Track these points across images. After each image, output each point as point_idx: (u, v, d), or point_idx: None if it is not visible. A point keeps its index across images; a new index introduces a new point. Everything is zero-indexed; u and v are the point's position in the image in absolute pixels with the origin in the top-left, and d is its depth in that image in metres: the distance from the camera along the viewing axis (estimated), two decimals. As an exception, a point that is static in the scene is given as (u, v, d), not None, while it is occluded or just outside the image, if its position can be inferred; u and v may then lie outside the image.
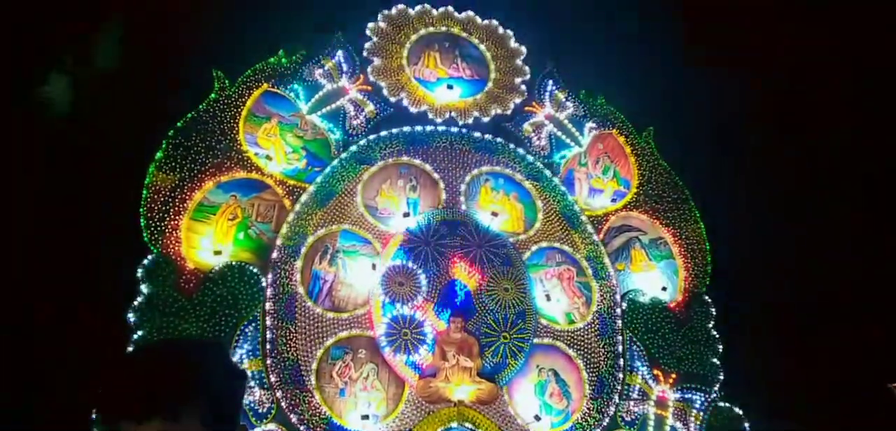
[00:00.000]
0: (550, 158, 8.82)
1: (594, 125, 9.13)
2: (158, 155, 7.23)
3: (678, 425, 7.70)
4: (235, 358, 6.70)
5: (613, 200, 8.82)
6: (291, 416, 6.74)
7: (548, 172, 8.63)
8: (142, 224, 6.93)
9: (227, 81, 7.82)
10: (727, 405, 7.82)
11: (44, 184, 6.93)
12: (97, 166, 6.96)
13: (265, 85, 8.00)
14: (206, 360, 1.85)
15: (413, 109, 8.51)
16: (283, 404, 6.75)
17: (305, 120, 8.03)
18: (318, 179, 7.76)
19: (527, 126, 8.88)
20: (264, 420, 6.66)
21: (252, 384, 6.71)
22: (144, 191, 7.05)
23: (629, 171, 9.01)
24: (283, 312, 7.07)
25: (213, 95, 7.72)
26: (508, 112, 8.83)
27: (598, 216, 8.68)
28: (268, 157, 7.69)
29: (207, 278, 6.86)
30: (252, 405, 6.66)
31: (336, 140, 8.07)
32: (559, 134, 8.95)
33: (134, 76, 7.63)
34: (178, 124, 7.41)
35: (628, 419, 7.68)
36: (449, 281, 7.61)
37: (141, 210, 6.96)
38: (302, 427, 6.72)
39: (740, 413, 7.79)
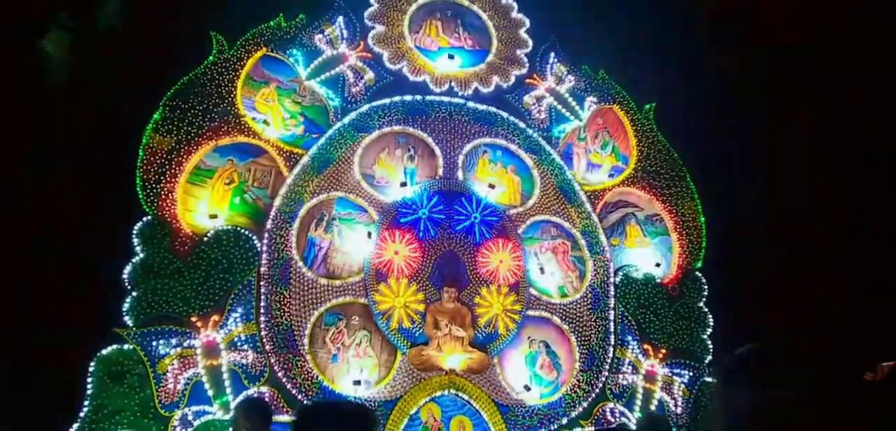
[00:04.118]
0: (549, 131, 8.78)
1: (595, 99, 9.06)
2: (155, 116, 7.24)
3: (666, 398, 7.80)
4: (229, 323, 6.79)
5: (611, 175, 8.81)
6: (284, 380, 6.85)
7: (547, 145, 8.61)
8: (138, 185, 6.96)
9: (225, 44, 7.78)
10: (714, 380, 7.91)
11: (41, 146, 6.94)
12: (94, 127, 6.96)
13: (264, 49, 7.95)
14: None
15: (413, 78, 8.46)
16: (276, 368, 6.87)
17: (304, 86, 8.00)
18: (316, 146, 7.76)
19: (527, 98, 8.83)
20: (257, 383, 6.77)
21: (246, 347, 6.82)
22: (141, 153, 7.07)
23: (628, 147, 8.98)
24: (277, 277, 7.15)
25: (211, 58, 7.69)
26: (509, 83, 8.77)
27: (596, 191, 8.67)
28: (265, 122, 7.69)
29: (203, 241, 6.92)
30: (245, 367, 6.78)
31: (334, 107, 8.05)
32: (559, 107, 8.90)
33: (132, 38, 7.59)
34: (176, 86, 7.39)
35: (617, 391, 7.78)
36: (444, 252, 7.66)
37: (137, 171, 6.99)
38: (294, 391, 6.84)
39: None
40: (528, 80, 8.89)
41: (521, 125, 8.59)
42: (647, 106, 9.18)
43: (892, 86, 8.60)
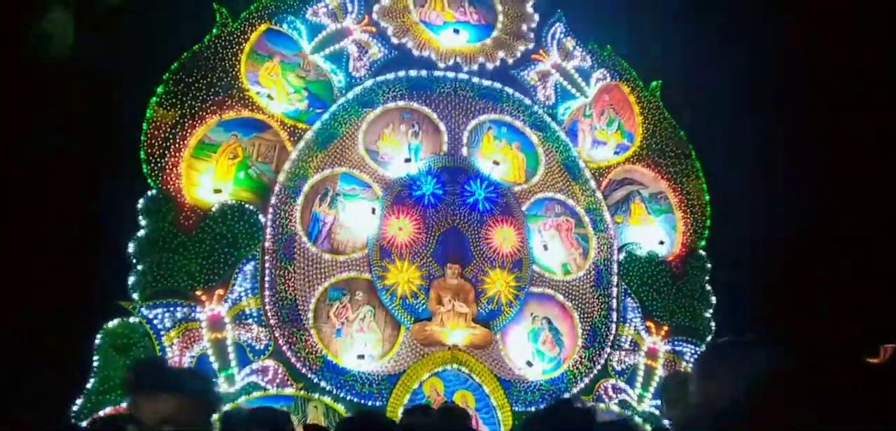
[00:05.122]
0: (555, 108, 8.72)
1: (601, 76, 8.97)
2: (159, 90, 7.22)
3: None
4: (234, 296, 6.84)
5: (616, 153, 8.77)
6: (289, 354, 6.91)
7: (552, 122, 8.55)
8: (142, 159, 6.97)
9: (228, 17, 7.72)
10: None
11: (44, 120, 6.94)
12: (98, 102, 6.94)
13: (267, 22, 7.88)
14: None
15: (418, 53, 8.38)
16: (280, 341, 6.92)
17: (308, 60, 7.94)
18: (320, 121, 7.73)
19: (533, 74, 8.74)
20: (262, 357, 6.84)
21: (250, 321, 6.87)
22: (145, 127, 7.06)
23: (634, 124, 8.91)
24: (281, 252, 7.17)
25: (214, 31, 7.63)
26: (514, 59, 8.68)
27: (600, 168, 8.64)
28: (269, 97, 7.66)
29: (207, 216, 6.94)
30: (250, 342, 6.84)
31: (338, 82, 8.00)
32: (565, 83, 8.82)
33: (135, 10, 7.53)
34: (179, 60, 7.35)
35: (619, 369, 7.83)
36: (448, 228, 7.67)
37: (141, 145, 6.99)
38: (298, 365, 6.90)
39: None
40: (533, 56, 8.80)
41: (527, 101, 8.53)
42: (654, 83, 9.09)
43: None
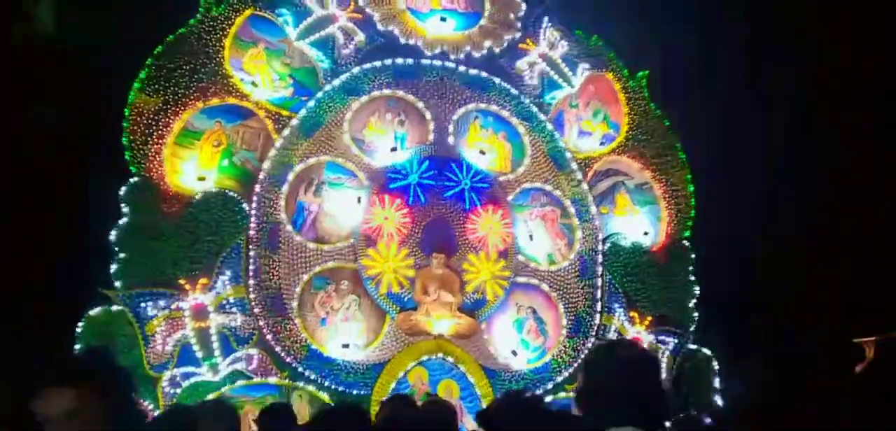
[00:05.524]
0: (541, 98, 8.71)
1: (588, 66, 8.96)
2: (141, 75, 7.11)
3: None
4: (218, 285, 6.80)
5: (602, 144, 8.79)
6: (273, 342, 6.90)
7: (538, 112, 8.54)
8: (125, 146, 6.88)
9: (212, 2, 7.61)
10: (697, 347, 8.08)
11: (24, 105, 6.82)
12: (80, 88, 6.84)
13: (252, 8, 7.78)
14: None
15: (404, 41, 8.32)
16: (265, 330, 6.90)
17: (293, 46, 7.86)
18: (305, 109, 7.67)
19: (520, 63, 8.72)
20: (246, 346, 6.82)
21: (234, 310, 6.83)
22: (127, 112, 6.97)
23: (620, 115, 8.93)
24: (266, 241, 7.14)
25: (198, 16, 7.52)
26: (502, 48, 8.64)
27: (586, 159, 8.66)
28: (253, 84, 7.58)
29: (190, 203, 6.88)
30: (234, 330, 6.81)
31: (324, 69, 7.93)
32: (551, 73, 8.81)
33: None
34: (162, 45, 7.24)
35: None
36: (434, 217, 7.67)
37: (124, 131, 6.90)
38: (283, 354, 6.89)
39: (709, 354, 8.07)
40: (520, 45, 8.77)
41: (514, 91, 8.51)
42: (641, 73, 9.11)
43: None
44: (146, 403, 6.28)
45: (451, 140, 8.07)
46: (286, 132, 7.50)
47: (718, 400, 7.80)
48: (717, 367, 8.04)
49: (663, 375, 7.75)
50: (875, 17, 8.67)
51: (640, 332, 8.00)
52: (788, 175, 9.26)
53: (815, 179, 9.12)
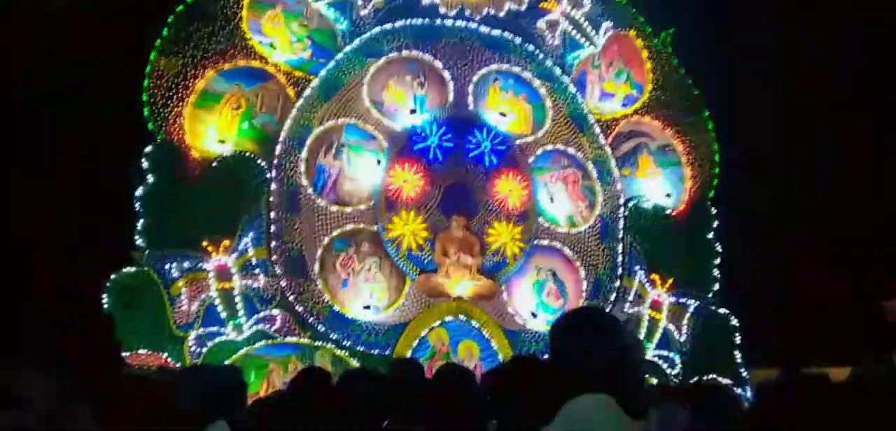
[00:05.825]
0: (563, 58, 8.56)
1: (611, 25, 8.76)
2: (160, 39, 7.10)
3: (671, 327, 7.89)
4: (241, 247, 6.86)
5: (624, 105, 8.64)
6: (295, 303, 6.97)
7: (560, 73, 8.39)
8: (145, 109, 6.91)
9: (230, -37, 7.53)
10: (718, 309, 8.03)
11: (45, 70, 6.85)
12: (100, 52, 6.84)
13: (270, -32, 7.70)
14: None
15: (424, 0, 8.18)
16: (287, 292, 6.98)
17: (311, 8, 7.78)
18: (324, 70, 7.62)
19: (541, 23, 8.55)
20: (269, 306, 6.90)
21: (257, 270, 6.90)
22: (147, 74, 6.98)
23: (643, 75, 8.75)
24: (287, 203, 7.17)
25: (216, -22, 7.46)
26: (523, 7, 8.46)
27: (609, 120, 8.53)
28: (272, 46, 7.53)
29: (212, 167, 6.91)
30: (258, 291, 6.89)
31: (342, 30, 7.85)
32: (573, 32, 8.63)
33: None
34: (180, 7, 7.21)
35: (622, 319, 7.88)
36: (454, 180, 7.63)
37: (144, 94, 6.93)
38: (305, 314, 6.97)
39: (728, 312, 8.01)
40: (542, 4, 8.58)
41: (535, 51, 8.36)
42: (665, 32, 8.88)
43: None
44: (173, 361, 6.41)
45: (470, 101, 7.97)
46: (305, 94, 7.47)
47: (739, 359, 7.77)
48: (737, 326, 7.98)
49: (683, 338, 7.73)
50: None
51: (660, 294, 7.95)
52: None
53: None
